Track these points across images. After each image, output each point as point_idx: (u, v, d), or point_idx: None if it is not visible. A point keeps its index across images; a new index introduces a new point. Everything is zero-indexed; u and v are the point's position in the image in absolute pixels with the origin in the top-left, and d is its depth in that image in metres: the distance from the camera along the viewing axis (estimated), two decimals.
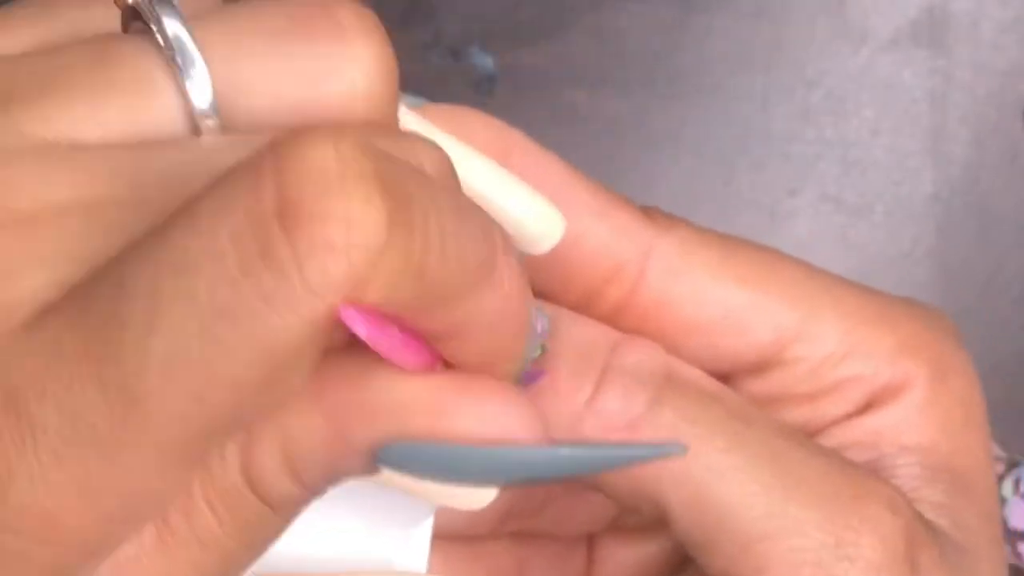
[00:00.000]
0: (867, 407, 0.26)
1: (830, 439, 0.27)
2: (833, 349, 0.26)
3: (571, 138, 0.39)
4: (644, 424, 0.23)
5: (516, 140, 0.25)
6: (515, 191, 0.25)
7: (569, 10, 0.39)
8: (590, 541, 0.29)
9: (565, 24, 0.39)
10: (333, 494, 0.23)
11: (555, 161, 0.25)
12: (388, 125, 0.19)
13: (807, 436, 0.27)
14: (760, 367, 0.26)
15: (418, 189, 0.16)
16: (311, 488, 0.18)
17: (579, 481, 0.23)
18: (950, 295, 0.40)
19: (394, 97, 0.18)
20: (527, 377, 0.24)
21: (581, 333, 0.25)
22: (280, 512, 0.19)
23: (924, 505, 0.25)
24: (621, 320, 0.26)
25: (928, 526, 0.25)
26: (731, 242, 0.27)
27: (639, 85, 0.39)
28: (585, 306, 0.25)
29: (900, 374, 0.25)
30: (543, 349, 0.25)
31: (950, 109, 0.40)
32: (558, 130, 0.38)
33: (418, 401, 0.18)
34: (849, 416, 0.26)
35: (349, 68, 0.18)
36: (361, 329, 0.16)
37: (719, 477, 0.23)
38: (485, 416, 0.18)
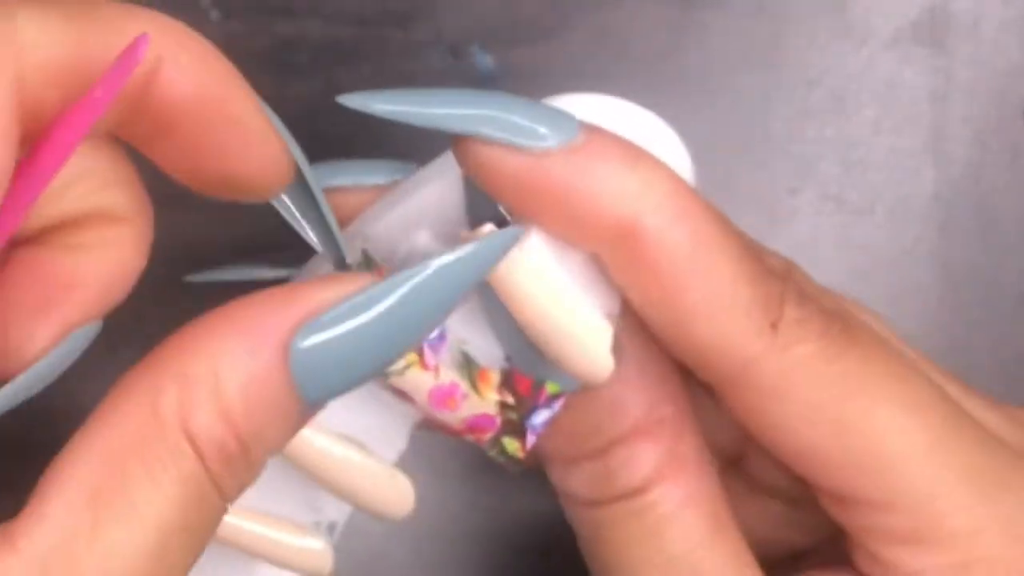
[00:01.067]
0: None
1: None
2: (898, 531, 0.25)
3: None
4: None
5: (648, 212, 0.23)
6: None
7: (570, 9, 0.39)
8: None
9: (566, 23, 0.39)
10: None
11: (688, 234, 0.23)
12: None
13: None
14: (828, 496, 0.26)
15: None
16: (247, 444, 0.20)
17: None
18: (951, 294, 0.40)
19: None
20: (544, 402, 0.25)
21: (608, 400, 0.24)
22: (224, 484, 0.20)
23: None
24: (717, 396, 0.25)
25: None
26: (861, 377, 0.24)
27: (639, 84, 0.39)
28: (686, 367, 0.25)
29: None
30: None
31: (951, 108, 0.40)
32: None
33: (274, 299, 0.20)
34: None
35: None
36: None
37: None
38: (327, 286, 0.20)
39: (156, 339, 0.38)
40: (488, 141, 0.22)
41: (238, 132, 0.22)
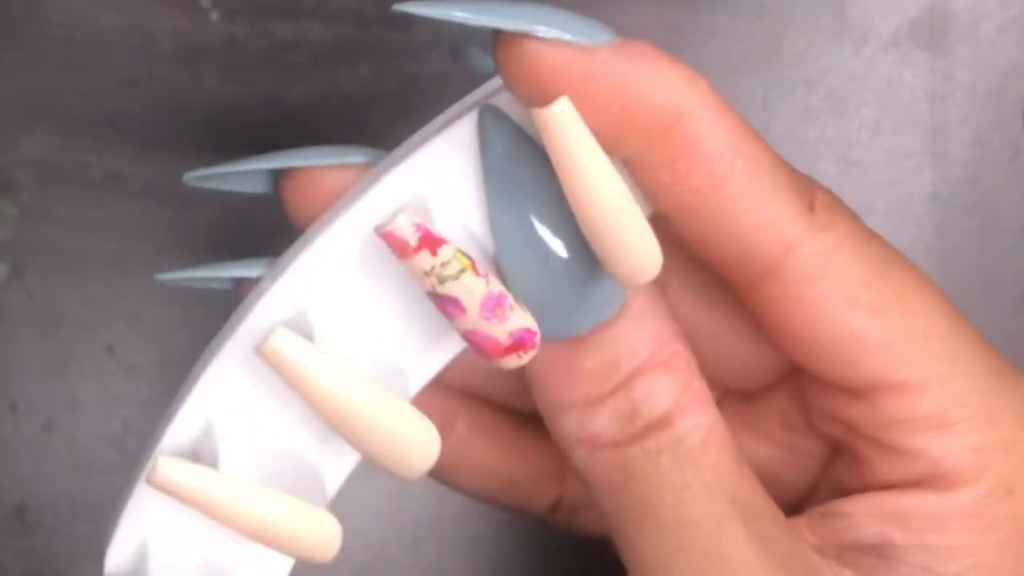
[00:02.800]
0: (915, 485, 0.26)
1: (853, 503, 0.27)
2: (924, 416, 0.25)
3: None
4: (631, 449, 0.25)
5: (691, 103, 0.25)
6: (628, 228, 0.25)
7: (570, 10, 0.39)
8: None
9: None
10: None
11: (729, 125, 0.25)
12: None
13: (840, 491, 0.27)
14: (851, 394, 0.26)
15: None
16: None
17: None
18: (950, 294, 0.39)
19: None
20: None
21: (622, 335, 0.25)
22: None
23: None
24: (746, 298, 0.26)
25: None
26: (888, 261, 0.26)
27: None
28: (717, 270, 0.26)
29: (964, 470, 0.25)
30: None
31: (950, 108, 0.40)
32: None
33: None
34: (890, 486, 0.26)
35: None
36: None
37: None
38: None
39: (156, 339, 0.38)
40: (542, 37, 0.23)
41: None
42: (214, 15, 0.38)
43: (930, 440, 0.25)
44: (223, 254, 0.38)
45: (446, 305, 0.26)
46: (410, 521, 0.37)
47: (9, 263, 0.38)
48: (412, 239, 0.25)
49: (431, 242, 0.26)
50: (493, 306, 0.26)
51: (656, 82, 0.24)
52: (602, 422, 0.26)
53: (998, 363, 0.26)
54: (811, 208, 0.25)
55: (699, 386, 0.25)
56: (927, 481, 0.25)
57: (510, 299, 0.26)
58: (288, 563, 0.29)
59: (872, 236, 0.26)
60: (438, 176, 0.27)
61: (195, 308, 0.38)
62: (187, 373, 0.36)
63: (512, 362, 0.26)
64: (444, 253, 0.26)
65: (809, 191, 0.26)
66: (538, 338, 0.26)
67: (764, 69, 0.39)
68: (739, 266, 0.25)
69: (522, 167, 0.24)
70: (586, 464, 0.26)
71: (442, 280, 0.26)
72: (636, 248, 0.25)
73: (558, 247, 0.24)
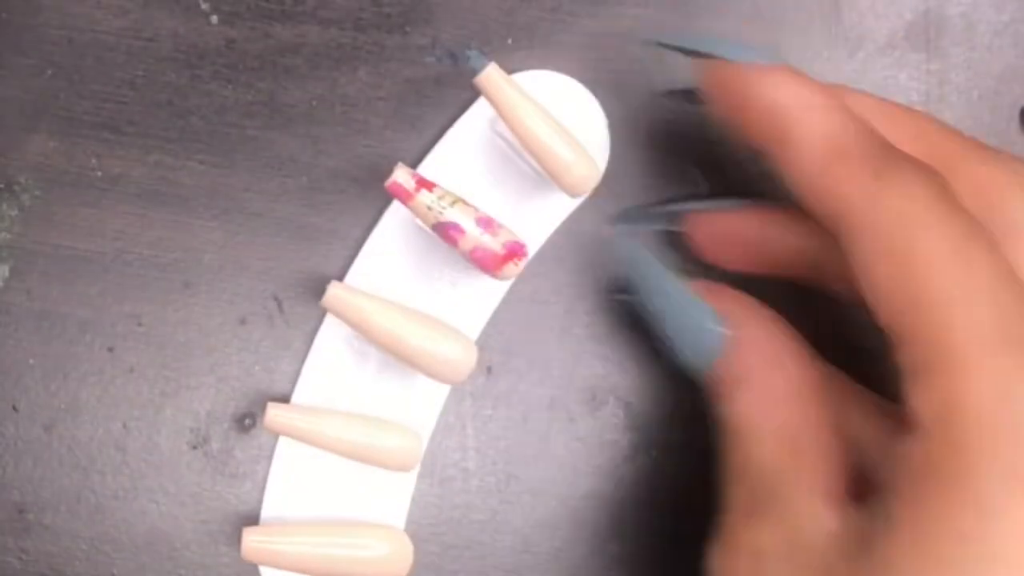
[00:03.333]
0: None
1: None
2: (906, 368, 0.29)
3: None
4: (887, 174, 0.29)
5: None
6: (567, 141, 0.34)
7: (567, 14, 0.39)
8: None
9: (563, 28, 0.39)
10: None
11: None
12: None
13: None
14: None
15: None
16: None
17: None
18: None
19: None
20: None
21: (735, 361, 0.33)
22: None
23: None
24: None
25: None
26: (937, 219, 0.29)
27: (636, 88, 0.39)
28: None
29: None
30: None
31: (946, 112, 0.40)
32: None
33: None
34: None
35: None
36: None
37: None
38: None
39: (155, 339, 0.38)
40: (726, 59, 0.32)
41: None
42: (214, 18, 0.38)
43: (909, 389, 0.28)
44: (223, 253, 0.38)
45: (450, 231, 0.34)
46: (409, 522, 0.37)
47: (9, 264, 0.38)
48: (411, 185, 0.34)
49: (426, 184, 0.34)
50: (486, 224, 0.35)
51: (787, 85, 0.32)
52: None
53: (1016, 329, 0.28)
54: (878, 175, 0.30)
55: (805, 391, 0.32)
56: (904, 425, 0.28)
57: (497, 220, 0.35)
58: (404, 504, 0.37)
59: (938, 194, 0.29)
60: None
61: (195, 308, 0.38)
62: (187, 373, 0.37)
63: (511, 270, 0.35)
64: (438, 190, 0.34)
65: (883, 156, 0.31)
66: (527, 248, 0.35)
67: None
68: (829, 217, 0.30)
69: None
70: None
71: (442, 209, 0.34)
72: (572, 163, 0.35)
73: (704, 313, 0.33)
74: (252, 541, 0.35)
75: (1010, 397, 0.26)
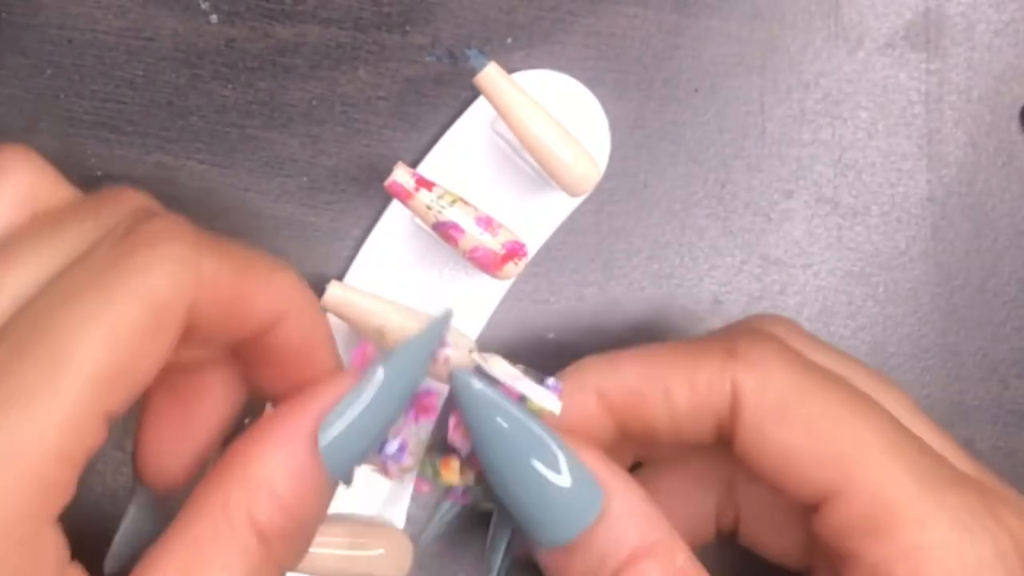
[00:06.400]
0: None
1: None
2: (859, 521, 0.28)
3: None
4: None
5: None
6: (566, 140, 0.34)
7: (566, 13, 0.39)
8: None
9: (563, 27, 0.39)
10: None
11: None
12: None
13: None
14: (809, 510, 0.29)
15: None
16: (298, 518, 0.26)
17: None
18: (945, 296, 0.40)
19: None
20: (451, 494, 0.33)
21: (603, 536, 0.28)
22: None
23: None
24: (733, 442, 0.30)
25: None
26: (822, 383, 0.29)
27: (635, 88, 0.39)
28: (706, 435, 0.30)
29: None
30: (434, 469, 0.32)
31: (945, 111, 0.40)
32: None
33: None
34: None
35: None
36: None
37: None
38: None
39: None
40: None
41: (310, 370, 0.29)
42: (214, 17, 0.38)
43: (866, 545, 0.27)
44: None
45: (449, 230, 0.34)
46: (409, 522, 0.37)
47: None
48: (410, 184, 0.34)
49: (425, 183, 0.34)
50: (486, 223, 0.34)
51: None
52: None
53: (937, 470, 0.28)
54: (732, 353, 0.29)
55: (684, 562, 0.28)
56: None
57: (497, 219, 0.34)
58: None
59: (806, 364, 0.29)
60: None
61: None
62: None
63: (511, 270, 0.34)
64: (437, 190, 0.34)
65: (730, 341, 0.30)
66: (526, 248, 0.34)
67: (759, 72, 0.39)
68: (700, 422, 0.30)
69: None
70: None
71: (442, 208, 0.34)
72: (572, 163, 0.34)
73: (552, 476, 0.28)
74: (334, 289, 0.34)
75: (972, 533, 0.27)
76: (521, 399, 0.29)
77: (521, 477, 0.28)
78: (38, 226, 0.26)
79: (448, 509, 0.34)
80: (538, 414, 0.29)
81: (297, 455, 0.26)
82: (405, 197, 0.34)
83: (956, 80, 0.40)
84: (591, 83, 0.38)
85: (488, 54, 0.37)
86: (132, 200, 0.27)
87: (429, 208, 0.34)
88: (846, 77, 0.39)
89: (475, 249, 0.34)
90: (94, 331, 0.23)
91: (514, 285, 0.38)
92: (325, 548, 0.35)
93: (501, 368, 0.30)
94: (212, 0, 0.38)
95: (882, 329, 0.39)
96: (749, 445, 0.29)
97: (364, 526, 0.36)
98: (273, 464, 0.26)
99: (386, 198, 0.37)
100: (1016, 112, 0.40)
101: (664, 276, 0.39)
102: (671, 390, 0.30)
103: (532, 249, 0.38)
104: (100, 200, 0.27)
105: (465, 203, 0.34)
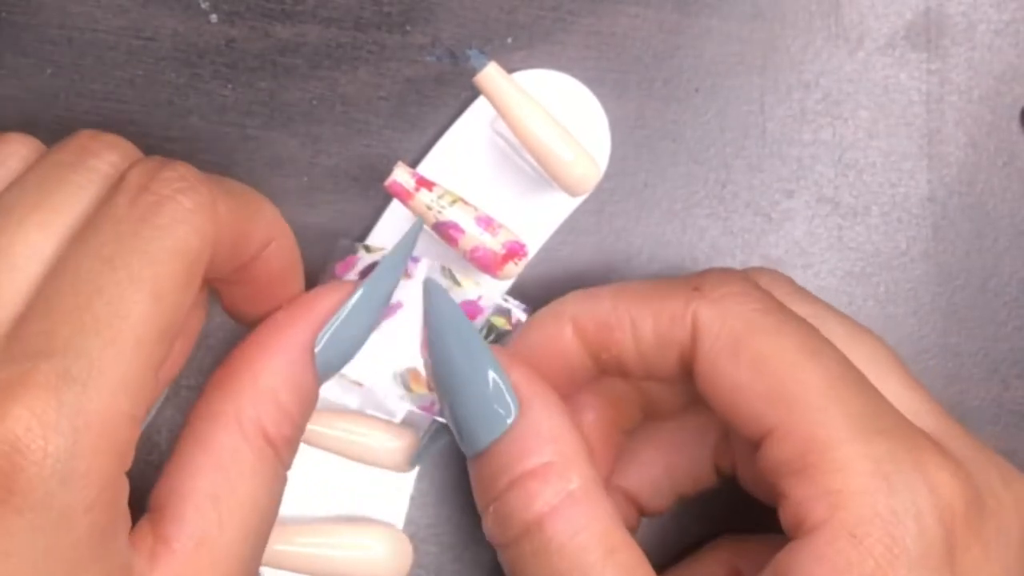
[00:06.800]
0: (790, 528, 0.28)
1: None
2: (788, 460, 0.28)
3: None
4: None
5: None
6: (567, 140, 0.34)
7: (567, 13, 0.39)
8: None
9: (563, 27, 0.39)
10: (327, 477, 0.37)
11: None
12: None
13: None
14: (752, 445, 0.29)
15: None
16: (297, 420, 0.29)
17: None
18: (945, 295, 0.40)
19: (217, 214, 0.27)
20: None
21: (503, 451, 0.29)
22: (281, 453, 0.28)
23: None
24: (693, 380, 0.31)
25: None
26: (780, 324, 0.30)
27: (636, 87, 0.39)
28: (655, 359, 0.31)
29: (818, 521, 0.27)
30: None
31: (946, 111, 0.40)
32: None
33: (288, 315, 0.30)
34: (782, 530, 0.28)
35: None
36: None
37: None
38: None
39: None
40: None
41: (286, 291, 0.31)
42: (214, 17, 0.38)
43: (792, 484, 0.27)
44: None
45: (449, 230, 0.34)
46: (409, 522, 0.37)
47: None
48: (410, 184, 0.34)
49: (425, 183, 0.34)
50: (486, 223, 0.34)
51: None
52: (491, 525, 0.29)
53: (874, 418, 0.28)
54: (698, 289, 0.30)
55: (575, 489, 0.28)
56: (794, 525, 0.27)
57: (497, 219, 0.35)
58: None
59: (769, 306, 0.30)
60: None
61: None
62: (187, 374, 0.37)
63: (511, 270, 0.35)
64: (437, 190, 0.34)
65: (698, 278, 0.31)
66: (527, 248, 0.34)
67: (760, 72, 0.39)
68: (664, 353, 0.30)
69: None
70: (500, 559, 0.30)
71: (442, 208, 0.34)
72: (572, 162, 0.34)
73: (476, 382, 0.30)
74: None
75: (890, 483, 0.27)
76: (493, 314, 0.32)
77: (452, 381, 0.30)
78: (36, 179, 0.26)
79: (430, 429, 0.35)
80: (500, 333, 0.31)
81: (296, 363, 0.28)
82: (405, 197, 0.34)
83: (957, 80, 0.40)
84: (591, 83, 0.38)
85: (488, 54, 0.37)
86: (118, 146, 0.27)
87: (429, 208, 0.34)
88: (847, 77, 0.39)
89: (475, 249, 0.34)
90: (139, 292, 0.24)
91: (514, 285, 0.38)
92: (324, 549, 0.35)
93: (469, 286, 0.33)
94: (212, 0, 0.38)
95: (883, 329, 0.39)
96: (705, 379, 0.29)
97: (364, 526, 0.36)
98: (276, 374, 0.28)
99: (386, 198, 0.37)
100: (1017, 112, 0.40)
101: (664, 276, 0.39)
102: (637, 321, 0.30)
103: (532, 249, 0.38)
104: (85, 148, 0.27)
105: (465, 203, 0.34)
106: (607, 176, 0.38)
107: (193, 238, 0.25)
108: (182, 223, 0.25)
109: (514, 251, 0.35)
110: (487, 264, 0.35)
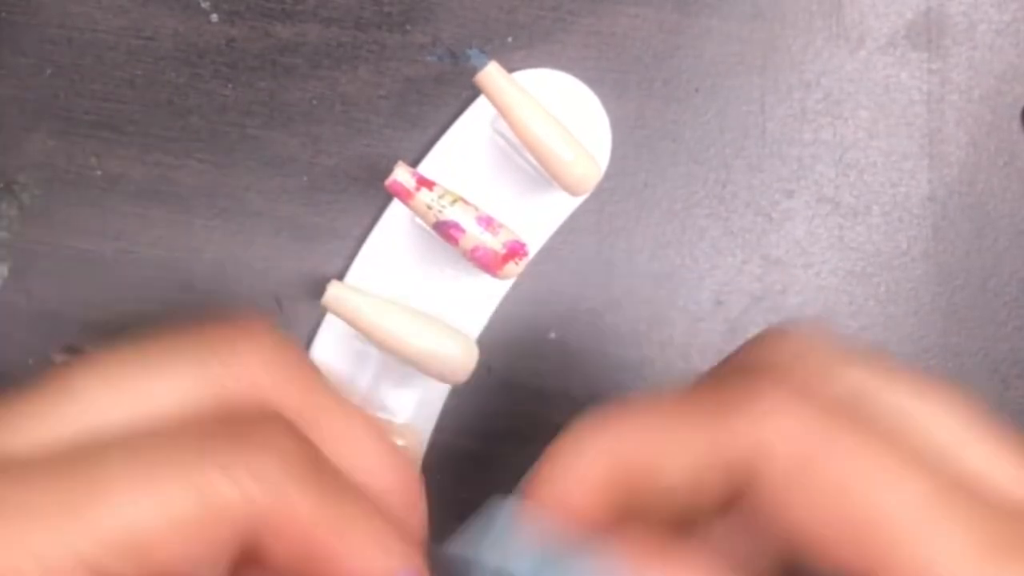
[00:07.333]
0: None
1: None
2: None
3: None
4: None
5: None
6: (567, 140, 0.35)
7: (567, 13, 0.39)
8: None
9: (563, 27, 0.39)
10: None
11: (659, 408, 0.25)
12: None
13: None
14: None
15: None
16: None
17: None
18: (945, 295, 0.40)
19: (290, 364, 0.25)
20: None
21: None
22: None
23: None
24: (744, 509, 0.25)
25: None
26: (843, 442, 0.24)
27: (636, 87, 0.39)
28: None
29: None
30: None
31: (946, 111, 0.40)
32: None
33: None
34: None
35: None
36: None
37: None
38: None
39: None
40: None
41: None
42: (214, 17, 0.38)
43: None
44: (223, 253, 0.38)
45: (449, 229, 0.34)
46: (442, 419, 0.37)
47: (9, 263, 0.38)
48: (411, 184, 0.34)
49: (426, 183, 0.34)
50: (486, 223, 0.34)
51: None
52: None
53: (996, 532, 0.23)
54: (737, 411, 0.24)
55: None
56: None
57: (498, 219, 0.34)
58: (438, 399, 0.37)
59: (825, 410, 0.24)
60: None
61: (195, 308, 0.38)
62: None
63: (511, 269, 0.35)
64: (438, 189, 0.34)
65: (733, 392, 0.25)
66: (527, 248, 0.34)
67: (760, 72, 0.39)
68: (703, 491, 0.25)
69: None
70: None
71: (442, 208, 0.34)
72: (572, 162, 0.34)
73: None
74: (334, 289, 0.35)
75: None
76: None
77: None
78: (157, 351, 0.24)
79: None
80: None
81: None
82: (406, 196, 0.34)
83: (957, 80, 0.40)
84: (591, 83, 0.38)
85: (489, 53, 0.37)
86: (256, 359, 0.25)
87: (430, 208, 0.34)
88: (847, 77, 0.39)
89: (476, 249, 0.34)
90: (128, 493, 0.22)
91: (514, 285, 0.38)
92: (412, 341, 0.35)
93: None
94: (212, 0, 0.38)
95: (883, 329, 0.39)
96: (766, 512, 0.24)
97: (441, 329, 0.36)
98: None
99: (386, 198, 0.37)
100: (1017, 112, 0.40)
101: (665, 276, 0.39)
102: (663, 465, 0.25)
103: (533, 249, 0.38)
104: (221, 343, 0.25)
105: (466, 203, 0.34)
106: (607, 176, 0.38)
107: (224, 493, 0.22)
108: (227, 474, 0.22)
109: (515, 251, 0.35)
110: (488, 264, 0.34)
